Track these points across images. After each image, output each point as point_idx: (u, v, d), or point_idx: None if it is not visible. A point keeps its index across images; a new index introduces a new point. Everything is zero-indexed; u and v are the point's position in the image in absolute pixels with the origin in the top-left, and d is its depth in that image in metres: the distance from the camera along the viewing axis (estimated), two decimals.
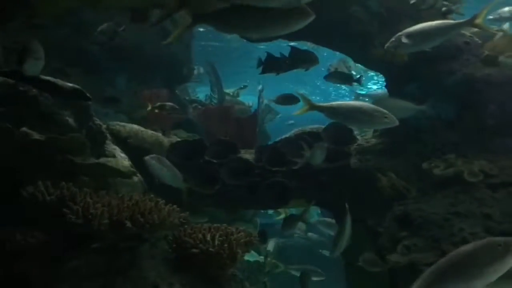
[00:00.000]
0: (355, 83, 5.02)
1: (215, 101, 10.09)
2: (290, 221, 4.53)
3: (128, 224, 2.35)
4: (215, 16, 2.67)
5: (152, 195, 4.33)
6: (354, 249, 4.64)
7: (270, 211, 8.85)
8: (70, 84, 3.64)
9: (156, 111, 5.68)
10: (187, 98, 9.43)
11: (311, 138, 4.96)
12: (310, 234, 9.31)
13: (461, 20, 3.63)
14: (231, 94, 10.59)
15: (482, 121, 4.31)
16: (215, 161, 4.89)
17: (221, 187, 4.82)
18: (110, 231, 2.34)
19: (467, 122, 4.37)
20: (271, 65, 4.70)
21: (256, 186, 4.81)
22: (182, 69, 8.69)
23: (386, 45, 3.62)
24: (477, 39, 4.61)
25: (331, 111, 3.74)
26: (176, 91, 8.95)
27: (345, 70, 5.37)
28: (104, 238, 2.34)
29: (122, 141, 4.89)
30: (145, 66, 7.51)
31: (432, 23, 3.55)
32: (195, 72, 10.78)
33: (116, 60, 7.18)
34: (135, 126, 5.17)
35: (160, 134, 5.27)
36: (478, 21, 3.52)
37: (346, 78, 5.05)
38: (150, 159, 3.71)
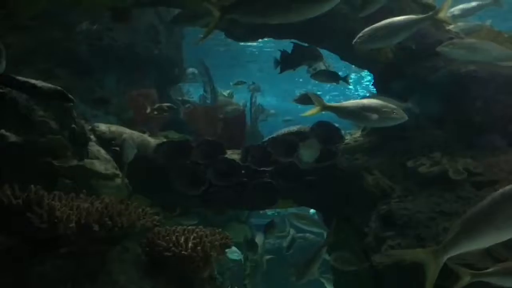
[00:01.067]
0: (342, 82, 4.97)
1: (208, 101, 10.07)
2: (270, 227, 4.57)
3: (96, 227, 2.30)
4: (241, 5, 2.65)
5: (132, 197, 4.30)
6: (342, 249, 4.61)
7: (270, 212, 8.79)
8: (51, 85, 3.60)
9: (155, 113, 5.65)
10: (180, 98, 9.39)
11: (298, 138, 4.92)
12: (307, 234, 9.26)
13: (424, 15, 3.64)
14: (226, 94, 10.54)
15: (469, 118, 4.26)
16: (201, 161, 4.84)
17: (208, 188, 4.78)
18: (77, 235, 2.29)
19: (453, 119, 4.32)
20: (289, 62, 4.69)
21: (242, 186, 4.76)
22: (174, 69, 8.64)
23: (354, 41, 3.63)
24: (462, 35, 4.56)
25: (343, 111, 3.77)
26: (170, 91, 8.93)
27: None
28: (71, 242, 2.30)
29: (107, 143, 4.85)
30: (135, 66, 7.48)
31: (395, 19, 3.56)
32: (191, 72, 10.77)
33: (106, 61, 7.16)
34: (121, 128, 5.13)
35: (146, 135, 5.22)
36: (441, 14, 3.52)
37: (332, 77, 5.00)
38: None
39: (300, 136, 4.92)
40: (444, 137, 4.34)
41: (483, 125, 4.20)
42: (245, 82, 10.99)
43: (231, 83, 11.59)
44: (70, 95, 3.64)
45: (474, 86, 4.15)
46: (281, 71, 4.80)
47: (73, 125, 4.31)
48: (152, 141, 5.08)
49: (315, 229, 6.44)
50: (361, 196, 4.46)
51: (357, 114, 3.72)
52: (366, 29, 3.61)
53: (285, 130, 5.29)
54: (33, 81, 3.53)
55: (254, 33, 4.98)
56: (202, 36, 2.94)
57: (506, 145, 4.17)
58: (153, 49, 7.69)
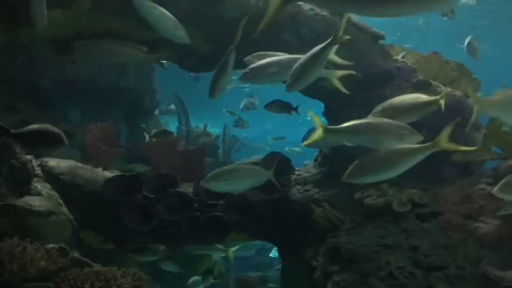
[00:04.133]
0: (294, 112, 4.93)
1: (183, 133, 10.03)
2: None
3: None
4: None
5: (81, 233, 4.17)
6: (293, 284, 4.47)
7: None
8: None
9: (108, 147, 5.57)
10: (154, 130, 9.34)
11: None
12: None
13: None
14: (202, 126, 10.54)
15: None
16: (152, 196, 4.74)
17: (159, 223, 4.66)
18: None
19: None
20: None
21: (194, 221, 4.64)
22: (144, 101, 8.62)
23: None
24: (409, 64, 4.54)
25: (351, 135, 3.26)
26: (145, 123, 8.88)
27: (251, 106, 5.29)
28: None
29: (55, 178, 4.75)
30: (100, 99, 7.44)
31: (284, 57, 3.51)
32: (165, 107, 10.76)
33: (70, 93, 7.12)
34: (72, 162, 5.03)
35: (98, 169, 5.12)
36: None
37: (285, 108, 4.96)
38: None
39: None
40: None
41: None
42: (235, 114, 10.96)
43: (224, 110, 11.57)
44: (6, 127, 3.53)
45: None
46: None
47: (14, 161, 4.22)
48: (103, 175, 4.98)
49: None
50: (311, 229, 4.35)
51: (370, 138, 3.22)
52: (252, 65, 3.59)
53: (239, 162, 5.23)
54: None
55: (205, 65, 4.95)
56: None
57: (455, 175, 4.10)
58: (119, 81, 7.68)
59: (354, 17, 4.69)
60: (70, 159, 5.23)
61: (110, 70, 7.62)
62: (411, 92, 4.30)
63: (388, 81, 4.41)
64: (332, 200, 4.42)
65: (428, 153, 3.15)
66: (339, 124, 4.19)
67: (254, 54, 3.79)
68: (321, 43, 4.49)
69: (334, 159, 4.68)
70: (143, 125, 9.02)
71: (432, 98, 3.41)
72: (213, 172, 3.81)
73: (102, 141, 5.53)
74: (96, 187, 4.79)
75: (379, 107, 3.51)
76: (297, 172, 4.83)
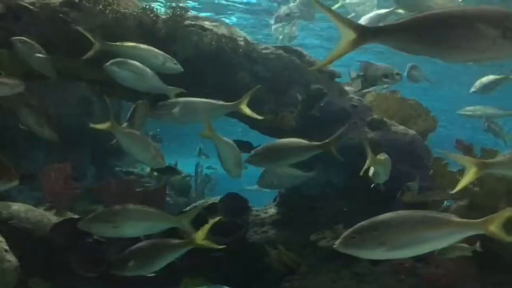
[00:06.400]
0: None
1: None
2: None
3: None
4: (396, 29, 1.92)
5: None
6: None
7: None
8: None
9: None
10: (124, 170, 9.16)
11: (208, 211, 4.70)
12: None
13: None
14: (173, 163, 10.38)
15: (371, 187, 4.09)
16: (102, 240, 4.54)
17: (108, 268, 4.44)
18: None
19: (357, 188, 4.14)
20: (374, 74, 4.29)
21: None
22: (113, 139, 8.47)
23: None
24: (366, 103, 4.51)
25: None
26: (117, 162, 8.71)
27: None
28: None
29: (4, 223, 4.56)
30: (66, 139, 7.29)
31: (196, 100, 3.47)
32: None
33: (33, 134, 6.96)
34: (22, 205, 4.85)
35: (50, 213, 4.92)
36: (242, 106, 3.50)
37: (243, 147, 4.88)
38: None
39: (210, 209, 4.70)
40: (349, 207, 4.15)
41: (388, 194, 4.03)
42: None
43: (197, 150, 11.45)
44: None
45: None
46: None
47: None
48: (53, 219, 4.78)
49: None
50: (268, 273, 4.18)
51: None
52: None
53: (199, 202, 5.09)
54: None
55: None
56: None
57: None
58: (86, 120, 7.55)
59: (310, 57, 4.70)
60: (30, 200, 5.07)
61: (76, 109, 7.52)
62: (367, 130, 4.26)
63: (344, 119, 4.36)
64: (289, 242, 4.28)
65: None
66: (295, 166, 4.13)
67: (113, 60, 3.55)
68: (276, 81, 4.47)
69: (292, 199, 4.57)
70: (117, 165, 8.86)
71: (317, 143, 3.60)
72: (96, 212, 3.42)
73: (58, 183, 5.35)
74: (45, 232, 4.60)
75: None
76: (255, 213, 4.69)
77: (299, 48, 4.70)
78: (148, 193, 5.58)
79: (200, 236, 3.10)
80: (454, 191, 2.60)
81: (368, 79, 3.93)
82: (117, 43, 3.61)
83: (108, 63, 3.50)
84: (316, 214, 4.28)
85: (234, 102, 3.54)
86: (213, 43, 4.32)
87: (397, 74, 3.94)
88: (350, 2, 6.65)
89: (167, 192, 9.11)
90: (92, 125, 3.41)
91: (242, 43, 4.41)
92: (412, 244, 2.26)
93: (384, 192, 4.07)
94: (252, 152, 3.68)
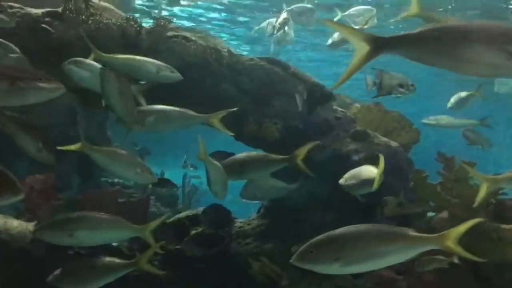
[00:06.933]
0: None
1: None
2: None
3: None
4: (411, 40, 1.89)
5: None
6: None
7: None
8: None
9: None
10: (109, 180, 9.08)
11: (191, 222, 4.66)
12: None
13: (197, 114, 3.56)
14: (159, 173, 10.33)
15: (355, 198, 4.08)
16: (83, 252, 4.47)
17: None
18: None
19: (341, 200, 4.14)
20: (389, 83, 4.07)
21: (124, 277, 4.37)
22: None
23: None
24: (349, 114, 4.53)
25: None
26: (102, 173, 8.62)
27: None
28: None
29: None
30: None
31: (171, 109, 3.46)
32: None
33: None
34: (2, 216, 4.76)
35: (30, 224, 4.84)
36: (214, 119, 3.51)
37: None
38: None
39: (192, 220, 4.67)
40: (333, 219, 4.14)
41: (371, 205, 4.04)
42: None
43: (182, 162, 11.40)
44: None
45: (356, 165, 4.02)
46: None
47: None
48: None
49: None
50: (251, 285, 4.14)
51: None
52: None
53: (183, 213, 5.05)
54: None
55: None
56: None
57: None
58: (70, 131, 7.49)
59: (295, 68, 4.71)
60: (11, 211, 4.97)
61: (61, 119, 7.45)
62: (351, 142, 4.27)
63: (327, 131, 4.37)
64: (273, 254, 4.25)
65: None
66: (278, 177, 4.13)
67: (70, 59, 3.48)
68: (260, 92, 4.47)
69: (276, 211, 4.55)
70: (103, 176, 8.77)
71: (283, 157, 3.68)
72: (52, 220, 3.26)
73: (39, 194, 5.27)
74: (25, 244, 4.51)
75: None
76: (239, 224, 4.66)
77: (283, 60, 4.72)
78: (131, 204, 5.52)
79: (143, 260, 3.04)
80: (474, 205, 2.73)
81: (384, 87, 3.93)
82: (111, 55, 3.56)
83: (65, 62, 3.44)
84: (299, 226, 4.26)
85: (208, 115, 3.53)
86: (198, 54, 4.32)
87: (412, 85, 3.97)
88: (349, 14, 6.77)
89: (155, 203, 9.05)
90: (60, 148, 3.32)
91: (226, 54, 4.41)
92: (367, 259, 2.24)
93: (366, 203, 4.09)
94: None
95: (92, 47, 3.43)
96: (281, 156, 3.67)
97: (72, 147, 3.34)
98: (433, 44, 1.87)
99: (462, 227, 2.27)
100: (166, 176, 10.09)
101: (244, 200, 4.33)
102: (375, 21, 6.67)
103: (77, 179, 8.16)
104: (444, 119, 6.38)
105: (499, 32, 1.84)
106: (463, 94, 6.52)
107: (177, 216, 4.94)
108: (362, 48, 1.87)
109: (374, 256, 2.23)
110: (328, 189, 4.18)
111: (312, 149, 3.75)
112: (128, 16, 4.16)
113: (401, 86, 3.95)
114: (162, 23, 4.19)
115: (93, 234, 3.16)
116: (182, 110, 3.44)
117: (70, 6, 3.79)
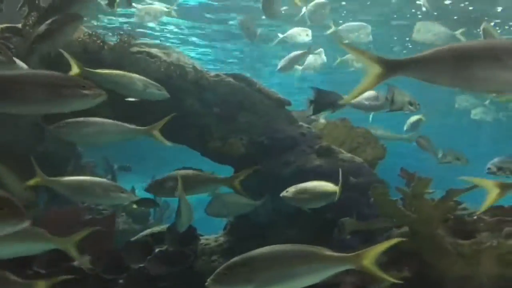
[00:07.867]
0: None
1: None
2: None
3: None
4: (422, 62, 1.94)
5: None
6: None
7: None
8: None
9: None
10: None
11: (156, 240, 4.59)
12: None
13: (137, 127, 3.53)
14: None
15: (321, 215, 4.09)
16: (44, 271, 4.34)
17: None
18: None
19: (307, 216, 4.13)
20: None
21: None
22: (67, 166, 8.25)
23: None
24: (314, 130, 4.55)
25: None
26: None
27: None
28: None
29: None
30: (16, 166, 7.04)
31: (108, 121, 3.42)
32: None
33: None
34: None
35: None
36: (154, 131, 3.52)
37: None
38: None
39: (156, 237, 4.59)
40: (299, 236, 4.12)
41: (332, 221, 4.04)
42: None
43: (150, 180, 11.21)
44: None
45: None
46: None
47: None
48: None
49: None
50: None
51: None
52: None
53: (148, 231, 4.97)
54: None
55: None
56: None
57: (358, 243, 3.99)
58: (37, 147, 7.35)
59: (260, 84, 4.73)
60: None
61: (28, 135, 7.29)
62: (315, 158, 4.28)
63: (292, 147, 4.37)
64: None
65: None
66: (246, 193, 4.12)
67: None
68: (225, 108, 4.46)
69: (241, 227, 4.51)
70: None
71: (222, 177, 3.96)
72: None
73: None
74: None
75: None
76: (204, 242, 4.60)
77: (249, 76, 4.73)
78: (97, 221, 5.40)
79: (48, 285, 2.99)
80: (480, 211, 2.74)
81: (396, 102, 3.99)
82: (97, 70, 3.51)
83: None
84: (266, 243, 4.21)
85: (146, 127, 3.51)
86: (161, 70, 4.30)
87: (418, 104, 4.11)
88: (343, 29, 6.85)
89: (127, 219, 8.90)
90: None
91: (191, 70, 4.40)
92: (282, 280, 2.23)
93: (330, 219, 4.10)
94: (152, 181, 3.91)
95: (77, 63, 3.37)
96: (220, 177, 3.95)
97: (31, 182, 3.26)
98: (446, 65, 1.93)
99: (379, 247, 2.26)
100: (137, 192, 9.96)
101: (209, 216, 4.29)
102: (370, 37, 6.82)
103: (45, 196, 7.98)
104: (379, 131, 6.60)
105: (506, 48, 1.90)
106: (413, 118, 7.11)
107: (141, 233, 4.86)
108: (374, 69, 1.93)
109: (289, 277, 2.21)
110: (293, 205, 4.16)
111: (249, 174, 4.02)
112: (91, 32, 4.12)
113: (411, 104, 4.05)
114: (125, 39, 4.16)
115: (9, 245, 2.87)
116: (119, 123, 3.39)
117: (30, 22, 3.73)
